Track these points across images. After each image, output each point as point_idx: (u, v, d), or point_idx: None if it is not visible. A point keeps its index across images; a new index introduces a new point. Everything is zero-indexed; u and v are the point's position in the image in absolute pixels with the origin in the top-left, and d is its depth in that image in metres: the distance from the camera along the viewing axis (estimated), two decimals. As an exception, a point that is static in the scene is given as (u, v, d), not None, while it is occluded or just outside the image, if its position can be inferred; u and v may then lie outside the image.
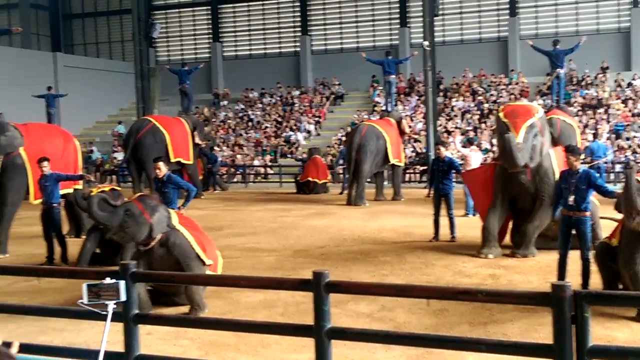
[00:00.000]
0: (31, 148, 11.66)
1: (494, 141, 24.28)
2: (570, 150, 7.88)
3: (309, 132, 29.19)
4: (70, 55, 36.05)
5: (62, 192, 11.50)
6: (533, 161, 9.65)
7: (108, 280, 4.83)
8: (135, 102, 26.21)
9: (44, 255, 10.36)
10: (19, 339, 5.48)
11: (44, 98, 22.64)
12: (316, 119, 30.03)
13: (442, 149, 11.83)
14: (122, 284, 4.84)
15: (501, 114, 9.96)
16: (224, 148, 28.59)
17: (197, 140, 19.51)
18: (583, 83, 27.17)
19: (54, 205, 10.51)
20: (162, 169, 9.11)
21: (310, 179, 20.93)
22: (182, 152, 18.74)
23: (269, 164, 27.39)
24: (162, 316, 6.44)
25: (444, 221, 11.50)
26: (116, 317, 5.00)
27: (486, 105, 27.42)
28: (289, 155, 27.85)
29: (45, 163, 10.55)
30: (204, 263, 7.27)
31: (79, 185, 12.62)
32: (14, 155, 11.50)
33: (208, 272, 7.32)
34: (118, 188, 10.08)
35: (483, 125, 25.96)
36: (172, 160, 18.23)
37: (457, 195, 12.48)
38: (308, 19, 34.07)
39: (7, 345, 1.41)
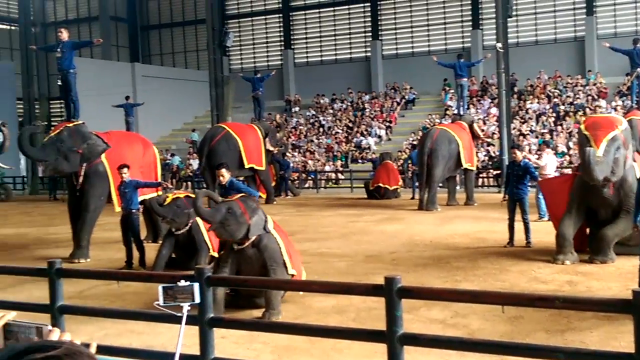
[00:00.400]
0: (112, 155, 12.01)
1: (571, 144, 23.66)
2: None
3: (379, 137, 29.14)
4: (148, 65, 37.20)
5: (141, 198, 11.86)
6: (615, 175, 9.24)
7: (183, 283, 4.93)
8: (210, 110, 26.74)
9: (123, 259, 10.67)
10: (99, 341, 5.66)
11: (123, 107, 23.40)
12: (387, 123, 29.94)
13: (518, 152, 11.59)
14: (196, 286, 4.94)
15: (582, 126, 9.77)
16: (296, 154, 28.83)
17: (269, 146, 19.73)
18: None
19: (133, 211, 10.82)
20: (225, 176, 9.23)
21: (381, 184, 20.85)
22: (254, 158, 18.99)
23: (340, 169, 27.46)
24: (237, 320, 6.54)
25: (518, 226, 11.25)
26: (191, 321, 5.11)
27: (562, 107, 26.71)
28: (359, 161, 27.85)
29: (125, 170, 10.87)
30: (287, 271, 7.40)
31: (159, 192, 12.94)
32: (97, 163, 11.89)
33: None
34: (193, 195, 10.29)
35: (559, 128, 25.29)
36: (245, 166, 18.51)
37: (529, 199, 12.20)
38: (379, 24, 34.02)
39: (86, 346, 1.46)
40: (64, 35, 12.41)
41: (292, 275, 7.49)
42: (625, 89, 23.96)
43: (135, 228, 10.80)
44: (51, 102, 38.02)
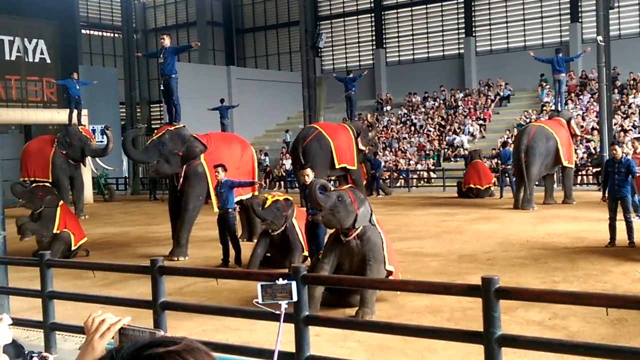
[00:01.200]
0: (211, 157, 12.33)
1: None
2: None
3: (472, 134, 28.62)
4: (242, 68, 38.03)
5: (238, 198, 12.14)
6: None
7: (281, 281, 5.01)
8: (302, 111, 27.05)
9: (219, 257, 10.95)
10: (198, 337, 5.85)
11: (218, 110, 24.01)
12: (481, 121, 29.37)
13: (618, 149, 11.12)
14: (294, 284, 5.00)
15: None
16: (387, 153, 28.72)
17: (361, 146, 19.74)
18: None
19: (229, 210, 11.07)
20: (310, 176, 9.29)
21: (472, 185, 20.46)
22: (346, 158, 19.04)
23: (432, 167, 27.15)
24: (332, 318, 6.58)
25: (620, 226, 10.79)
26: (287, 318, 5.18)
27: (668, 101, 25.43)
28: (452, 159, 27.46)
29: (220, 169, 11.12)
30: (385, 267, 7.45)
31: (256, 191, 13.18)
32: (196, 165, 12.23)
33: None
34: (291, 198, 10.42)
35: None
36: (337, 166, 18.59)
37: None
38: (472, 20, 33.41)
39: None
40: (166, 41, 12.81)
41: (390, 272, 7.50)
42: None
43: (232, 227, 11.04)
44: (151, 105, 39.53)
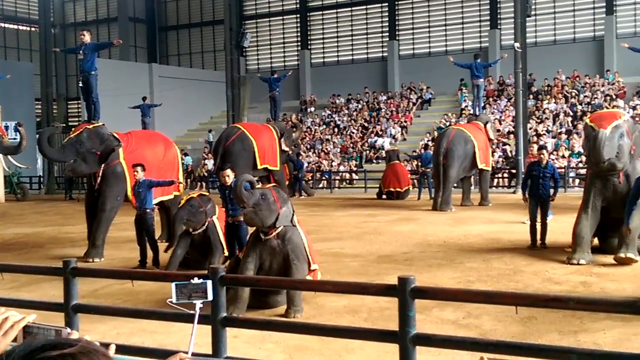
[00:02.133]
0: (132, 156, 12.08)
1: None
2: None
3: (394, 137, 29.09)
4: (165, 65, 37.43)
5: (159, 199, 11.93)
6: (621, 161, 9.45)
7: (196, 280, 4.96)
8: (226, 110, 26.86)
9: (137, 259, 10.74)
10: (113, 340, 5.72)
11: (140, 108, 23.54)
12: (403, 123, 29.89)
13: (545, 153, 11.53)
14: (209, 283, 4.96)
15: (587, 120, 10.22)
16: (310, 154, 28.87)
17: (284, 146, 19.75)
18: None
19: (147, 210, 10.87)
20: (230, 176, 9.23)
21: (392, 189, 20.80)
22: (269, 158, 19.01)
23: (354, 169, 27.45)
24: (249, 319, 6.56)
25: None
26: (204, 320, 5.13)
27: (579, 107, 26.54)
28: (374, 161, 27.85)
29: (139, 169, 10.91)
30: (309, 267, 7.50)
31: (179, 191, 12.98)
32: (115, 164, 11.96)
33: (309, 277, 7.54)
34: (206, 193, 10.35)
35: (579, 127, 25.09)
36: (260, 166, 18.53)
37: (519, 200, 12.15)
38: (396, 24, 33.99)
39: (105, 346, 1.48)
40: (87, 37, 12.50)
41: (314, 270, 7.57)
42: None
43: (150, 227, 10.85)
44: (69, 102, 38.37)
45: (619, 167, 9.52)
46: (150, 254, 10.70)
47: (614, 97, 26.42)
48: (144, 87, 30.62)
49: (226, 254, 9.85)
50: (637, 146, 9.83)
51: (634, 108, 24.35)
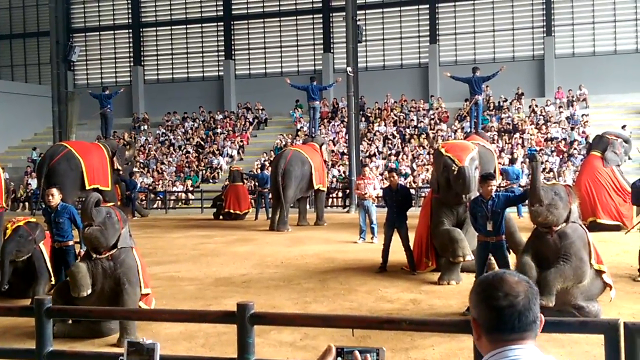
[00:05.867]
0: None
1: (415, 166, 24.84)
2: (484, 178, 8.14)
3: (231, 156, 29.07)
4: (-17, 78, 34.90)
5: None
6: (474, 192, 9.92)
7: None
8: (52, 127, 25.51)
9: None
10: None
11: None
12: (239, 143, 29.96)
13: (396, 176, 11.54)
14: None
15: (443, 150, 10.59)
16: (144, 173, 28.12)
17: (117, 166, 19.08)
18: (500, 108, 28.15)
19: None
20: (55, 197, 8.76)
21: (231, 211, 20.73)
22: (99, 178, 18.24)
23: (190, 189, 27.08)
24: (78, 352, 6.23)
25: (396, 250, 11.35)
26: (29, 355, 4.81)
27: (407, 130, 28.02)
28: (211, 180, 27.65)
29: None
30: (141, 291, 7.33)
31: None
32: None
33: (141, 303, 7.36)
34: (33, 219, 9.68)
35: (407, 149, 26.45)
36: (88, 187, 17.70)
37: (353, 220, 12.48)
38: (232, 43, 34.10)
39: None
40: None
41: (147, 295, 7.36)
42: (464, 113, 25.57)
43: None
44: None
45: (471, 196, 9.96)
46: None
47: (438, 121, 28.17)
48: (-41, 100, 28.39)
49: (52, 281, 9.31)
50: (480, 167, 10.66)
51: (455, 132, 26.07)
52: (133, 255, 7.40)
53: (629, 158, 16.72)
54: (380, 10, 32.08)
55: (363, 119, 28.42)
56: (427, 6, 31.38)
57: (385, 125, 28.70)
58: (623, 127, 22.42)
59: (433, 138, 26.43)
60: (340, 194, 24.73)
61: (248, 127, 31.15)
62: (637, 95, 27.87)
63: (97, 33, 35.95)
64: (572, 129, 25.88)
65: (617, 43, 29.32)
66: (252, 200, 22.18)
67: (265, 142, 29.78)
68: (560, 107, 27.57)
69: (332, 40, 32.63)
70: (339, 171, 25.61)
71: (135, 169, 24.73)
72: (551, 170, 23.19)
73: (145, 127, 32.77)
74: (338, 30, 31.33)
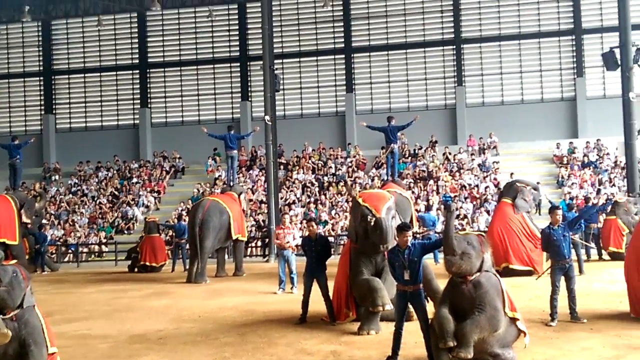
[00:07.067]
0: None
1: (333, 213, 25.01)
2: (401, 228, 8.17)
3: (147, 206, 28.47)
4: None
5: None
6: (392, 242, 9.96)
7: None
8: (-45, 178, 24.42)
9: None
10: None
11: None
12: (155, 193, 29.44)
13: (314, 225, 11.59)
14: None
15: (360, 200, 10.69)
16: (55, 225, 27.17)
17: (25, 218, 18.40)
18: (416, 156, 28.85)
19: None
20: None
21: (147, 263, 20.22)
22: (6, 232, 17.55)
23: (104, 241, 26.28)
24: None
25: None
26: None
27: (326, 177, 28.27)
28: (126, 232, 26.97)
29: None
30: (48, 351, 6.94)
31: None
32: None
33: None
34: None
35: (324, 197, 26.62)
36: (-7, 241, 17.00)
37: (273, 269, 12.43)
38: (148, 91, 33.79)
39: None
40: None
41: (53, 354, 7.01)
42: (382, 161, 26.07)
43: None
44: None
45: (389, 246, 10.02)
46: None
47: (355, 169, 28.58)
48: None
49: None
50: (398, 214, 10.87)
51: (372, 179, 26.47)
52: (36, 314, 7.05)
53: (538, 205, 17.35)
54: (298, 59, 32.58)
55: (282, 167, 28.51)
56: (343, 56, 32.12)
57: (303, 173, 28.88)
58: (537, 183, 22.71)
59: (351, 185, 26.75)
60: (259, 243, 24.55)
61: (165, 176, 30.69)
62: (543, 143, 29.22)
63: (6, 80, 34.94)
64: (485, 177, 26.71)
65: (523, 93, 30.78)
66: (169, 252, 21.73)
67: (182, 192, 29.38)
68: (472, 154, 28.55)
69: (249, 89, 32.82)
70: (257, 221, 25.44)
71: (44, 221, 23.84)
72: (465, 216, 23.81)
73: (57, 177, 31.80)
74: (256, 78, 31.59)
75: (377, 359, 8.25)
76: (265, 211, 24.29)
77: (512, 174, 24.37)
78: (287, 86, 31.14)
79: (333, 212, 25.41)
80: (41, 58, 34.62)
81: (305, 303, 10.95)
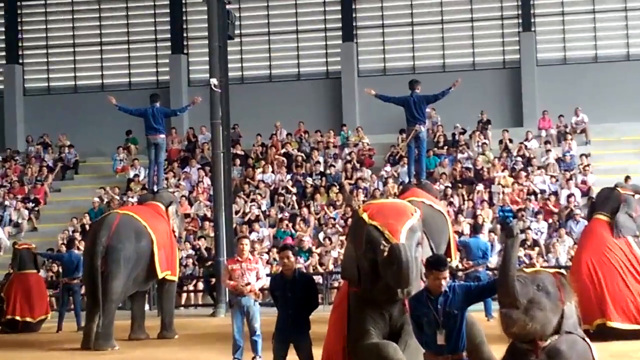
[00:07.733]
0: None
1: (321, 237, 25.06)
2: (432, 264, 8.05)
3: (17, 225, 28.42)
4: None
5: None
6: (417, 284, 9.89)
7: None
8: None
9: None
10: None
11: None
12: (31, 202, 29.45)
13: (292, 256, 11.24)
14: None
15: (365, 216, 10.39)
16: None
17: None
18: (456, 144, 28.79)
19: None
20: None
21: (17, 317, 20.17)
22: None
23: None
24: None
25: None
26: None
27: (309, 179, 28.36)
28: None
29: None
30: None
31: None
32: None
33: None
34: None
35: (304, 212, 26.67)
36: None
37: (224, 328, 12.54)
38: (19, 37, 34.06)
39: None
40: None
41: None
42: (402, 152, 26.16)
43: None
44: None
45: (413, 290, 10.02)
46: None
47: (358, 165, 28.71)
48: None
49: None
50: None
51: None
52: None
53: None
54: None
55: (238, 161, 28.53)
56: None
57: (273, 172, 28.85)
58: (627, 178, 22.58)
59: (350, 192, 26.80)
60: (201, 286, 24.55)
61: (46, 176, 30.61)
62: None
63: None
64: (568, 180, 26.48)
65: (629, 44, 30.69)
66: (53, 299, 21.69)
67: (74, 201, 29.38)
68: (546, 142, 28.28)
69: (185, 35, 32.74)
70: (197, 249, 25.44)
71: None
72: (536, 243, 23.83)
73: None
74: (196, 17, 31.43)
75: None
76: (212, 234, 24.27)
77: (627, 177, 23.32)
78: (248, 30, 31.22)
79: (321, 235, 25.38)
80: None
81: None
